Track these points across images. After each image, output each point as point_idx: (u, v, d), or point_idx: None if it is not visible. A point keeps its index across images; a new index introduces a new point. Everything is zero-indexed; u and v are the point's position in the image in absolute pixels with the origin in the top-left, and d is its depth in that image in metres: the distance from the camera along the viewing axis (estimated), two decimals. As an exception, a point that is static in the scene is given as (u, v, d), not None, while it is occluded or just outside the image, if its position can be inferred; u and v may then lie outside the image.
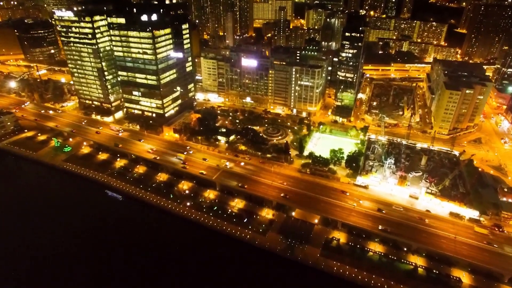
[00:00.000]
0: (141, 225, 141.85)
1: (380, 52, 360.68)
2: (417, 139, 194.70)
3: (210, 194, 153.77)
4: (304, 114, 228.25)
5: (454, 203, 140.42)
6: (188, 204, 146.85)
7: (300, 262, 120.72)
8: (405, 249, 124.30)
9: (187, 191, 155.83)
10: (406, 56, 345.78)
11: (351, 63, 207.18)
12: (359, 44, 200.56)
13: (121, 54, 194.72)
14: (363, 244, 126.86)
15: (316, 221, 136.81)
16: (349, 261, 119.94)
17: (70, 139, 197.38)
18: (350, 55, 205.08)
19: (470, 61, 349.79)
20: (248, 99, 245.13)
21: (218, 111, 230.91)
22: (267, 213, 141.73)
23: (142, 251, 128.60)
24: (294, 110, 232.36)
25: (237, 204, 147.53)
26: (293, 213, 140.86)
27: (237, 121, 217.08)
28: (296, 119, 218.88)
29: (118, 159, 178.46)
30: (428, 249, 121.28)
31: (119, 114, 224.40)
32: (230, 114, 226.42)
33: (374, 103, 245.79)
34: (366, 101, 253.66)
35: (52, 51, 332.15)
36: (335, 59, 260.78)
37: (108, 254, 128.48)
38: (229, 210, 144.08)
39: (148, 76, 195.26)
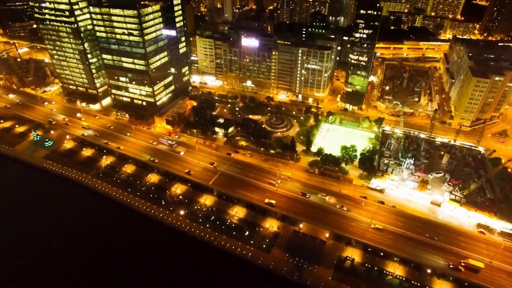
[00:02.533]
0: (128, 236, 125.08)
1: (391, 27, 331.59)
2: (435, 132, 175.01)
3: (207, 200, 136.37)
4: (310, 100, 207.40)
5: (482, 213, 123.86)
6: (181, 212, 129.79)
7: (309, 286, 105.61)
8: (429, 271, 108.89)
9: (180, 196, 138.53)
10: (419, 32, 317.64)
11: (365, 44, 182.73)
12: (376, 23, 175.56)
13: (104, 34, 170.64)
14: (380, 265, 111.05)
15: (327, 235, 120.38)
16: (365, 286, 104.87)
17: (52, 132, 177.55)
18: (364, 35, 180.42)
19: (490, 38, 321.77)
20: (248, 83, 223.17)
21: (216, 97, 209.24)
22: (271, 225, 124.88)
23: (128, 266, 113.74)
24: (300, 96, 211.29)
25: (237, 213, 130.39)
26: (301, 225, 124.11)
27: (237, 109, 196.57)
28: (302, 107, 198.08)
29: (104, 157, 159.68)
30: (455, 275, 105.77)
31: (107, 101, 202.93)
32: (229, 100, 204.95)
33: (387, 88, 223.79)
34: (378, 85, 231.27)
35: (35, 26, 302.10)
36: (345, 38, 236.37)
37: (87, 269, 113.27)
38: (228, 221, 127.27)
39: (136, 60, 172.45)
